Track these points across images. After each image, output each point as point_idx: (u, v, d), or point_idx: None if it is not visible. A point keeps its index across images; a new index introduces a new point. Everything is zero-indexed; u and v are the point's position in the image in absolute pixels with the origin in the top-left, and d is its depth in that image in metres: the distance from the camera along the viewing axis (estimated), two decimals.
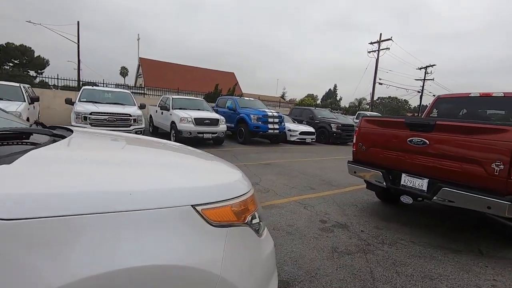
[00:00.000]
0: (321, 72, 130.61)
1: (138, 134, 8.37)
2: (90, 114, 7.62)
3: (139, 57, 39.88)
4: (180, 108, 10.50)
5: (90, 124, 7.60)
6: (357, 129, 4.11)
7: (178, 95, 15.93)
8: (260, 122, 11.28)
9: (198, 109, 10.93)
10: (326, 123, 14.34)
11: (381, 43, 30.63)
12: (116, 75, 65.12)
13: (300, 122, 15.27)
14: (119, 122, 7.95)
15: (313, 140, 13.63)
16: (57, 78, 16.72)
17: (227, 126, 11.95)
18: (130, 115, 8.16)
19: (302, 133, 13.06)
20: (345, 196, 5.01)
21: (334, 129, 13.97)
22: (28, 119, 7.75)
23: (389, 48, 30.41)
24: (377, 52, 30.86)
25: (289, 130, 13.05)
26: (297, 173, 6.56)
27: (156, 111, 11.96)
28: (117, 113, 7.97)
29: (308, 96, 67.98)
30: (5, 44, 47.79)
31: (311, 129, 13.62)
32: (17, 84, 8.48)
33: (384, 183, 3.50)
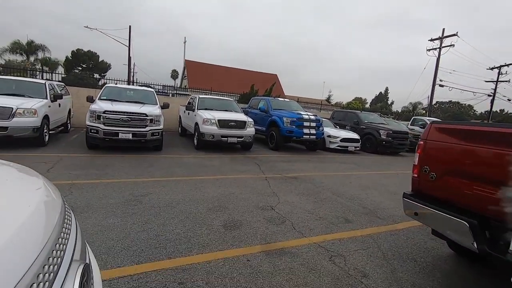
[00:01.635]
0: (372, 74, 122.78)
1: (155, 136, 7.62)
2: (104, 112, 7.03)
3: (185, 59, 40.98)
4: (205, 109, 9.60)
5: (104, 123, 7.01)
6: (421, 142, 2.58)
7: (211, 95, 15.24)
8: (294, 126, 9.87)
9: (226, 110, 9.94)
10: (374, 129, 12.32)
11: (443, 39, 26.88)
12: (167, 78, 68.46)
13: (342, 127, 13.45)
14: (134, 122, 7.25)
15: (357, 148, 11.75)
16: (114, 80, 17.78)
17: (258, 129, 10.80)
18: (146, 115, 7.42)
19: (344, 139, 11.30)
20: (397, 238, 3.44)
21: (383, 136, 11.91)
22: (47, 116, 7.47)
23: (453, 45, 26.50)
24: (438, 50, 27.16)
25: (329, 136, 11.39)
26: (329, 194, 5.07)
27: (184, 111, 11.27)
28: (132, 113, 7.28)
29: (356, 99, 63.87)
30: (76, 50, 53.63)
31: (355, 136, 11.76)
32: (42, 81, 8.34)
33: (475, 244, 1.95)
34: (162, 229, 3.08)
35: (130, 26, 30.80)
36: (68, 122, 10.15)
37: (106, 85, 8.98)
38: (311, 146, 11.06)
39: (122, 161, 6.33)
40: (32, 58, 41.19)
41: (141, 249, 2.64)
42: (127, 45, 31.21)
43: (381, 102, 68.90)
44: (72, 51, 53.79)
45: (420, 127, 15.88)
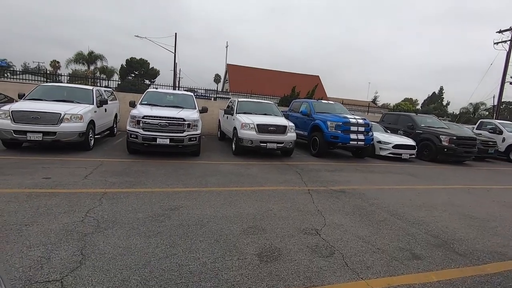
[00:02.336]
0: (423, 72, 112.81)
1: (193, 141, 7.40)
2: (143, 117, 7.00)
3: (227, 63, 41.70)
4: (244, 113, 9.22)
5: (143, 128, 6.98)
6: None
7: (251, 98, 14.92)
8: (340, 131, 9.00)
9: (265, 114, 9.45)
10: (433, 134, 10.81)
11: None
12: (211, 82, 70.72)
13: (394, 131, 12.11)
14: (171, 127, 7.11)
15: (413, 156, 10.40)
16: (160, 85, 18.81)
17: (300, 134, 10.12)
18: (184, 120, 7.23)
19: (396, 146, 10.07)
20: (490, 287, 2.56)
21: (445, 143, 10.37)
22: (92, 122, 7.70)
23: None
24: (509, 42, 23.72)
25: (379, 142, 10.24)
26: (386, 215, 4.23)
27: (223, 115, 11.04)
28: (170, 117, 7.14)
29: (406, 100, 59.11)
30: (129, 58, 58.37)
31: (410, 142, 10.42)
32: (90, 88, 8.69)
33: None
34: (187, 256, 2.64)
35: (176, 34, 32.19)
36: (115, 126, 10.53)
37: (147, 90, 9.07)
38: (358, 153, 10.04)
39: (158, 168, 6.17)
40: (92, 67, 45.49)
41: (159, 285, 2.21)
42: (173, 51, 32.72)
43: (435, 103, 62.94)
44: (126, 60, 58.67)
45: (490, 132, 13.73)
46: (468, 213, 4.63)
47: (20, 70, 13.65)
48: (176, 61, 34.06)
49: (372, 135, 9.65)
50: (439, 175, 8.06)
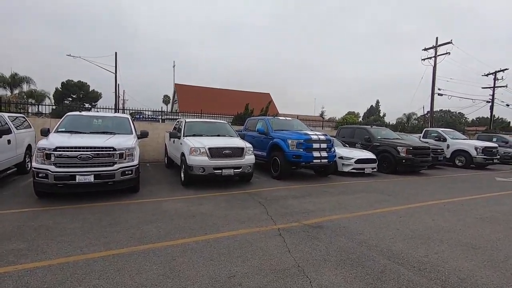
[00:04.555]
0: (361, 88, 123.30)
1: (128, 175, 5.84)
2: (55, 150, 5.26)
3: (175, 83, 39.91)
4: (194, 135, 7.91)
5: (55, 164, 5.23)
6: None
7: (201, 118, 13.66)
8: (302, 149, 8.19)
9: (218, 135, 8.26)
10: (391, 145, 10.70)
11: (438, 48, 26.30)
12: (159, 103, 67.39)
13: (352, 145, 11.84)
14: (97, 160, 5.48)
15: (374, 169, 10.06)
16: (102, 108, 16.44)
17: (258, 154, 9.09)
18: (114, 149, 5.67)
19: (359, 161, 9.62)
20: None
21: (403, 154, 10.27)
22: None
23: (449, 53, 25.87)
24: (434, 58, 26.48)
25: (341, 158, 9.71)
26: (383, 259, 3.28)
27: (170, 139, 9.55)
28: (94, 147, 5.52)
29: (350, 113, 63.10)
30: (66, 81, 52.82)
31: (371, 155, 10.11)
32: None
33: None
34: None
35: (116, 53, 29.83)
36: (27, 160, 8.33)
37: (67, 114, 7.25)
38: (321, 171, 9.35)
39: (74, 218, 4.49)
40: (17, 91, 39.67)
41: None
42: (114, 72, 30.09)
43: (374, 115, 68.46)
44: (62, 82, 53.19)
45: (435, 140, 14.38)
46: (465, 240, 3.94)
47: None
48: (117, 82, 31.39)
49: (335, 151, 9.06)
50: (407, 190, 7.63)
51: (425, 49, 26.91)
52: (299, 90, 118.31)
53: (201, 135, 7.94)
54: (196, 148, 6.91)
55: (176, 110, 37.70)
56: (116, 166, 5.65)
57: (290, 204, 5.70)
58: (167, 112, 32.60)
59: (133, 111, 17.94)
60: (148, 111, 18.88)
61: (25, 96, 38.43)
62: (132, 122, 7.64)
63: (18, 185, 6.80)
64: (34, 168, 5.27)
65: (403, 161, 10.24)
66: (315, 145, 8.37)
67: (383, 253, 3.43)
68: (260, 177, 8.66)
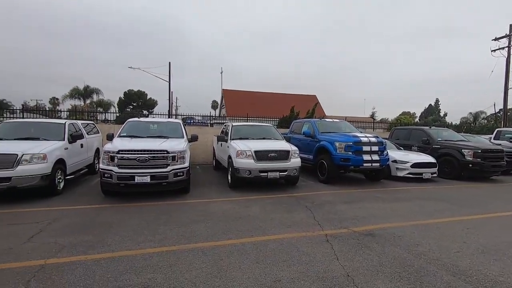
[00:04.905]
0: (416, 87, 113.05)
1: (179, 176, 6.20)
2: (118, 152, 5.84)
3: (222, 89, 41.45)
4: (240, 138, 8.10)
5: (118, 165, 5.80)
6: None
7: (247, 121, 13.91)
8: (351, 152, 7.82)
9: (264, 138, 8.32)
10: (454, 148, 9.62)
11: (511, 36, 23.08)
12: (208, 109, 70.72)
13: (407, 148, 10.93)
14: (153, 162, 5.94)
15: (434, 174, 9.14)
16: (157, 114, 18.22)
17: (305, 157, 8.93)
18: (167, 152, 6.08)
19: (415, 165, 8.84)
20: None
21: (469, 158, 9.15)
22: (62, 161, 6.56)
23: None
24: (507, 49, 23.28)
25: (395, 161, 9.03)
26: (446, 275, 2.94)
27: (217, 142, 9.92)
28: (150, 150, 5.99)
29: (404, 114, 58.49)
30: (127, 91, 58.69)
31: (430, 159, 9.21)
32: (62, 121, 7.60)
33: None
34: None
35: (170, 63, 31.99)
36: (96, 162, 9.37)
37: (128, 120, 8.00)
38: (373, 175, 8.80)
39: (133, 215, 4.91)
40: (88, 101, 45.24)
41: None
42: (168, 80, 32.42)
43: (433, 115, 62.36)
44: (124, 92, 58.98)
45: (510, 141, 12.54)
46: None
47: (19, 108, 12.79)
48: (171, 90, 33.69)
49: (387, 154, 8.45)
50: (474, 198, 6.77)
51: (496, 39, 23.78)
52: (347, 91, 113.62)
53: (247, 139, 8.08)
54: (243, 151, 7.06)
55: (223, 114, 39.12)
56: (169, 168, 6.05)
57: (339, 209, 5.47)
58: (215, 116, 34.03)
59: (185, 116, 19.15)
60: (197, 116, 20.07)
61: (94, 105, 43.59)
62: (184, 127, 8.11)
63: (88, 184, 7.68)
64: (101, 169, 5.90)
65: (470, 165, 9.12)
66: (365, 148, 7.92)
67: (447, 269, 3.08)
68: (307, 181, 8.48)
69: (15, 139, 6.49)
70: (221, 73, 43.39)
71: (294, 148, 7.57)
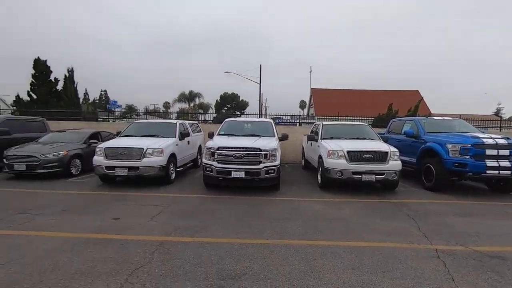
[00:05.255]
0: None
1: (271, 173, 6.43)
2: (218, 149, 6.48)
3: (311, 88, 40.91)
4: (331, 138, 7.82)
5: (217, 161, 6.43)
6: None
7: (338, 121, 13.33)
8: (468, 156, 6.54)
9: (358, 138, 7.81)
10: None
11: None
12: (295, 108, 71.21)
13: None
14: (247, 159, 6.35)
15: None
16: (247, 114, 19.76)
17: (405, 160, 7.97)
18: (260, 150, 6.40)
19: None
20: None
21: None
22: (174, 155, 7.68)
23: None
24: None
25: None
26: None
27: (307, 141, 9.86)
28: (245, 148, 6.42)
29: None
30: (223, 93, 64.85)
31: None
32: (174, 121, 8.91)
33: None
34: None
35: (260, 65, 33.44)
36: (199, 158, 10.63)
37: (226, 119, 8.76)
38: (499, 185, 7.15)
39: (229, 206, 5.36)
40: (192, 104, 51.80)
41: None
42: (259, 82, 34.08)
43: None
44: (220, 95, 65.14)
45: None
46: None
47: (143, 111, 16.13)
48: (261, 91, 35.27)
49: None
50: None
51: None
52: (459, 85, 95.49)
53: (339, 138, 7.74)
54: (334, 151, 6.79)
55: (312, 114, 38.58)
56: (261, 165, 6.34)
57: (450, 222, 4.65)
58: (303, 116, 33.94)
59: (274, 116, 19.72)
60: (286, 115, 20.36)
61: (196, 108, 49.55)
62: (274, 126, 8.37)
63: (193, 176, 8.78)
64: (204, 163, 6.65)
65: None
66: (490, 152, 6.48)
67: None
68: (407, 187, 7.54)
69: (141, 136, 7.96)
70: (310, 72, 42.90)
71: (393, 149, 6.84)
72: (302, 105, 71.78)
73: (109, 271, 2.84)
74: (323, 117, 22.83)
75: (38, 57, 17.87)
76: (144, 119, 14.96)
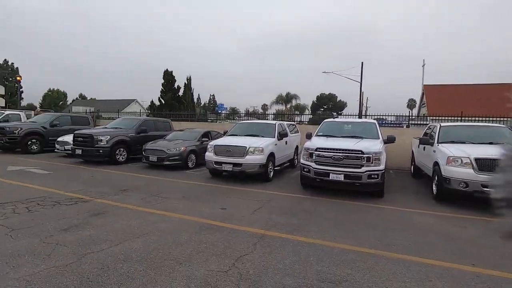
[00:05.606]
0: None
1: (374, 179, 5.95)
2: (316, 150, 6.40)
3: (423, 85, 35.64)
4: (452, 142, 6.63)
5: (315, 162, 6.36)
6: None
7: (461, 122, 11.18)
8: None
9: (491, 143, 6.35)
10: None
11: None
12: (401, 109, 63.75)
13: None
14: (347, 161, 6.04)
15: None
16: (347, 115, 19.01)
17: None
18: (362, 152, 5.97)
19: None
20: None
21: None
22: (273, 154, 8.04)
23: None
24: None
25: None
26: None
27: (418, 145, 8.63)
28: (345, 149, 6.11)
29: None
30: (319, 94, 63.96)
31: None
32: (273, 122, 9.29)
33: None
34: None
35: (362, 63, 31.27)
36: (295, 158, 10.76)
37: (325, 120, 8.56)
38: None
39: (328, 209, 5.23)
40: (288, 106, 52.99)
41: None
42: (359, 81, 31.94)
43: None
44: (317, 96, 64.37)
45: None
46: None
47: (244, 113, 17.77)
48: (361, 90, 32.95)
49: None
50: None
51: None
52: None
53: (463, 142, 6.47)
54: (456, 157, 5.72)
55: (423, 114, 33.56)
56: (363, 169, 5.92)
57: None
58: (413, 116, 29.83)
59: (377, 117, 18.06)
60: (391, 116, 18.22)
61: (293, 109, 50.33)
62: (378, 127, 7.68)
63: (289, 176, 8.95)
64: (301, 163, 6.69)
65: None
66: None
67: None
68: None
69: (244, 135, 8.63)
70: (423, 66, 37.41)
71: None
72: (411, 104, 63.57)
73: (219, 254, 3.21)
74: (438, 118, 19.58)
75: (167, 69, 21.75)
76: (246, 120, 16.29)
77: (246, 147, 7.40)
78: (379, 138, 7.03)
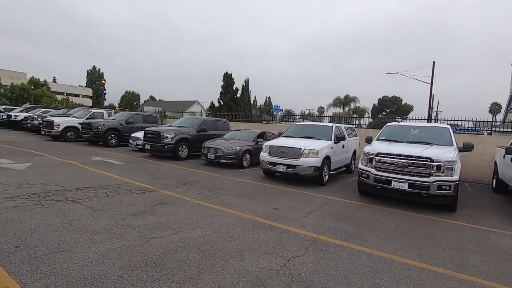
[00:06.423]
0: None
1: (445, 190, 5.32)
2: (376, 155, 5.97)
3: (511, 87, 30.58)
4: None
5: (375, 168, 5.95)
6: None
7: None
8: None
9: None
10: None
11: None
12: (482, 114, 55.83)
13: None
14: (413, 169, 5.50)
15: None
16: (414, 119, 17.50)
17: None
18: (431, 160, 5.37)
19: None
20: None
21: None
22: (328, 157, 7.78)
23: None
24: None
25: None
26: None
27: (504, 155, 7.42)
28: (411, 156, 5.56)
29: None
30: (382, 97, 59.92)
31: None
32: (330, 125, 8.96)
33: None
34: None
35: (434, 62, 28.32)
36: (352, 163, 10.23)
37: (387, 124, 7.93)
38: None
39: (389, 219, 4.83)
40: (346, 109, 50.80)
41: None
42: (430, 82, 28.89)
43: None
44: (379, 98, 60.40)
45: None
46: None
47: (299, 115, 17.75)
48: (432, 92, 29.78)
49: None
50: None
51: None
52: None
53: None
54: None
55: (510, 119, 28.74)
56: (432, 178, 5.34)
57: None
58: (496, 122, 25.73)
59: (450, 122, 16.11)
60: (467, 121, 15.99)
61: (351, 112, 48.01)
62: (452, 133, 6.82)
63: (345, 181, 8.54)
64: (360, 169, 6.32)
65: None
66: None
67: None
68: None
69: (299, 137, 8.52)
70: (511, 64, 32.05)
71: None
72: (494, 109, 55.30)
73: (270, 252, 3.22)
74: None
75: (226, 72, 22.77)
76: (301, 121, 16.12)
77: (301, 148, 7.30)
78: (452, 145, 6.25)
